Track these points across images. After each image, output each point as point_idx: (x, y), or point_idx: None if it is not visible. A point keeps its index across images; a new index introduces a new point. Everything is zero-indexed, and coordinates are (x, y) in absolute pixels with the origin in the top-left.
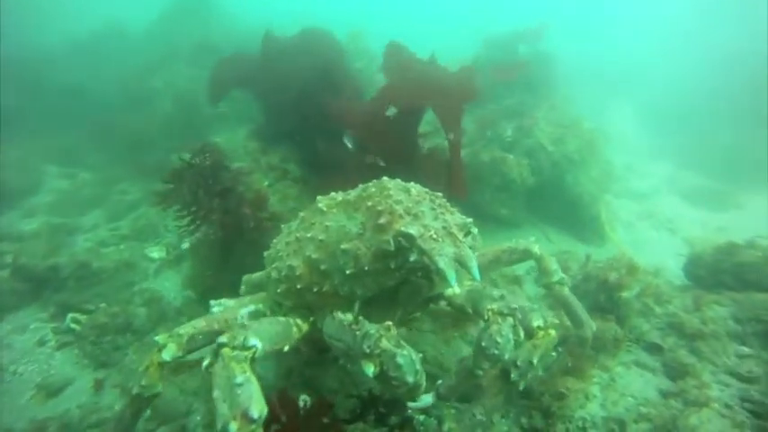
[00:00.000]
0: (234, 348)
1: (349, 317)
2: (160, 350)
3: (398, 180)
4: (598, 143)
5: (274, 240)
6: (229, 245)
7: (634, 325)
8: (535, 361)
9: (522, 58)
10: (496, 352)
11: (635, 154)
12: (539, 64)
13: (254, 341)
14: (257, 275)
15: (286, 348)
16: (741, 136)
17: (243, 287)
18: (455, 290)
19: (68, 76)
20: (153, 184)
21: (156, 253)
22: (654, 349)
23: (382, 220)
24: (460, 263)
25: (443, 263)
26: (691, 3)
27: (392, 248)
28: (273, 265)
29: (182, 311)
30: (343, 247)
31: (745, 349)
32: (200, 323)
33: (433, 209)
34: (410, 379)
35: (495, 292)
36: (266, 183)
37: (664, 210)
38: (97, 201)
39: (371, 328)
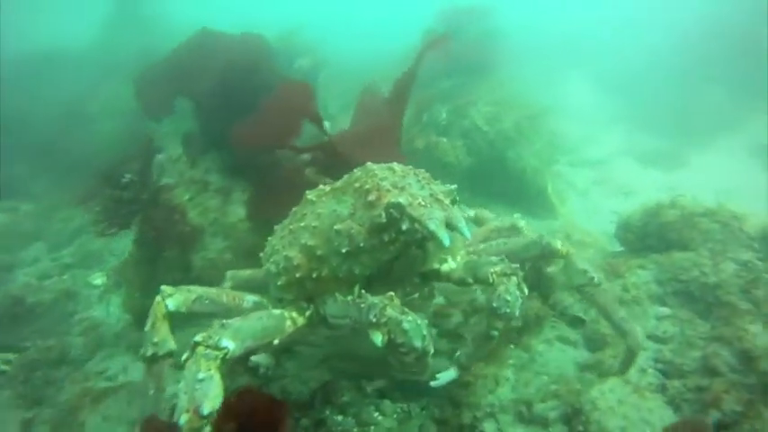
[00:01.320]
0: (207, 347)
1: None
2: (164, 299)
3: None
4: (541, 117)
5: (269, 239)
6: (152, 263)
7: (558, 300)
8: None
9: (471, 35)
10: (508, 310)
11: (592, 123)
12: (485, 41)
13: (226, 343)
14: (247, 272)
15: (276, 341)
16: (689, 94)
17: (228, 283)
18: (451, 265)
19: (6, 102)
20: (93, 209)
21: (98, 279)
22: (577, 322)
23: (371, 197)
24: (450, 225)
25: (434, 225)
26: None
27: (384, 220)
28: (271, 260)
29: (121, 335)
30: (336, 227)
31: (665, 310)
32: (211, 290)
33: (419, 181)
34: (417, 344)
35: (493, 258)
36: (186, 197)
37: (618, 175)
38: (39, 232)
39: (375, 299)
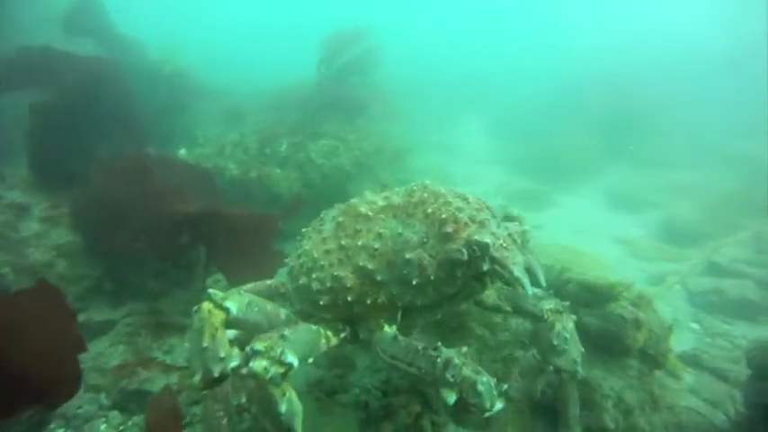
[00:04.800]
0: (270, 360)
1: (411, 341)
2: (220, 303)
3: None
4: (399, 154)
5: (302, 247)
6: None
7: None
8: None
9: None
10: (566, 347)
11: (477, 163)
12: (368, 77)
13: (291, 358)
14: (254, 285)
15: (310, 361)
16: (563, 142)
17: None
18: (487, 292)
19: None
20: None
21: None
22: None
23: (448, 229)
24: (529, 270)
25: (519, 271)
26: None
27: (465, 258)
28: (313, 276)
29: None
30: (407, 256)
31: None
32: (255, 296)
33: (494, 217)
34: (488, 404)
35: (537, 291)
36: None
37: None
38: None
39: (451, 354)
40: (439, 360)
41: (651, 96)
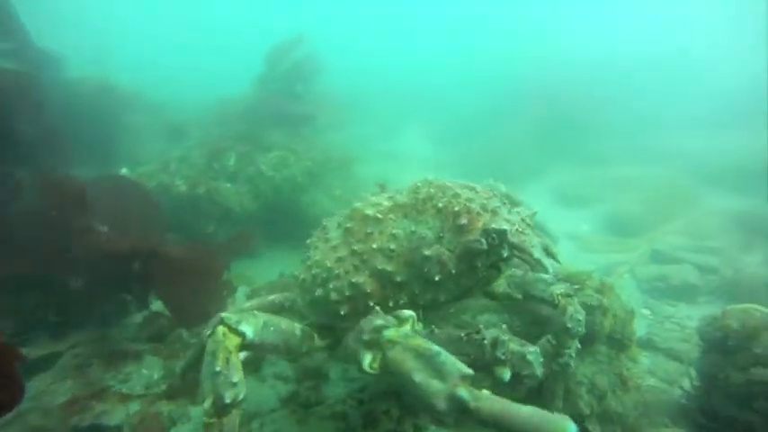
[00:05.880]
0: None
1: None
2: (234, 326)
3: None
4: (347, 164)
5: (312, 258)
6: None
7: None
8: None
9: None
10: (580, 329)
11: (425, 170)
12: (312, 90)
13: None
14: (259, 302)
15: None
16: (503, 145)
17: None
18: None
19: None
20: None
21: None
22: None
23: (463, 221)
24: (546, 251)
25: (539, 253)
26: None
27: (484, 247)
28: (330, 286)
29: None
30: (426, 253)
31: None
32: (269, 315)
33: (504, 204)
34: (539, 373)
35: (545, 276)
36: None
37: None
38: None
39: (494, 333)
40: (486, 342)
41: (588, 98)
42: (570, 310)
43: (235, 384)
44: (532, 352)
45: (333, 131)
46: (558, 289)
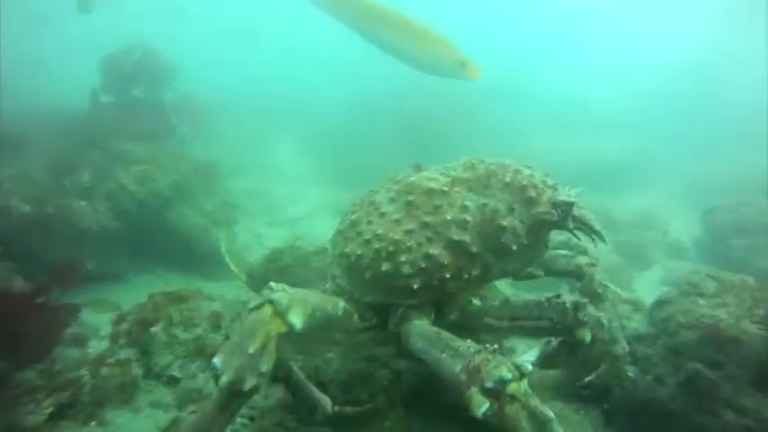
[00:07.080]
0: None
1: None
2: (284, 311)
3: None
4: (215, 177)
5: (370, 232)
6: None
7: (156, 362)
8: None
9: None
10: (608, 294)
11: (300, 183)
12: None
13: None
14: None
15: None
16: (373, 153)
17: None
18: None
19: None
20: None
21: None
22: (173, 382)
23: (532, 193)
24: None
25: (599, 225)
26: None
27: (556, 218)
28: (402, 259)
29: None
30: (503, 223)
31: None
32: (315, 295)
33: (556, 181)
34: (619, 335)
35: (561, 251)
36: None
37: (314, 231)
38: None
39: (573, 298)
40: (568, 305)
41: (449, 104)
42: (597, 277)
43: (261, 375)
44: (605, 316)
45: (199, 144)
46: (583, 260)
